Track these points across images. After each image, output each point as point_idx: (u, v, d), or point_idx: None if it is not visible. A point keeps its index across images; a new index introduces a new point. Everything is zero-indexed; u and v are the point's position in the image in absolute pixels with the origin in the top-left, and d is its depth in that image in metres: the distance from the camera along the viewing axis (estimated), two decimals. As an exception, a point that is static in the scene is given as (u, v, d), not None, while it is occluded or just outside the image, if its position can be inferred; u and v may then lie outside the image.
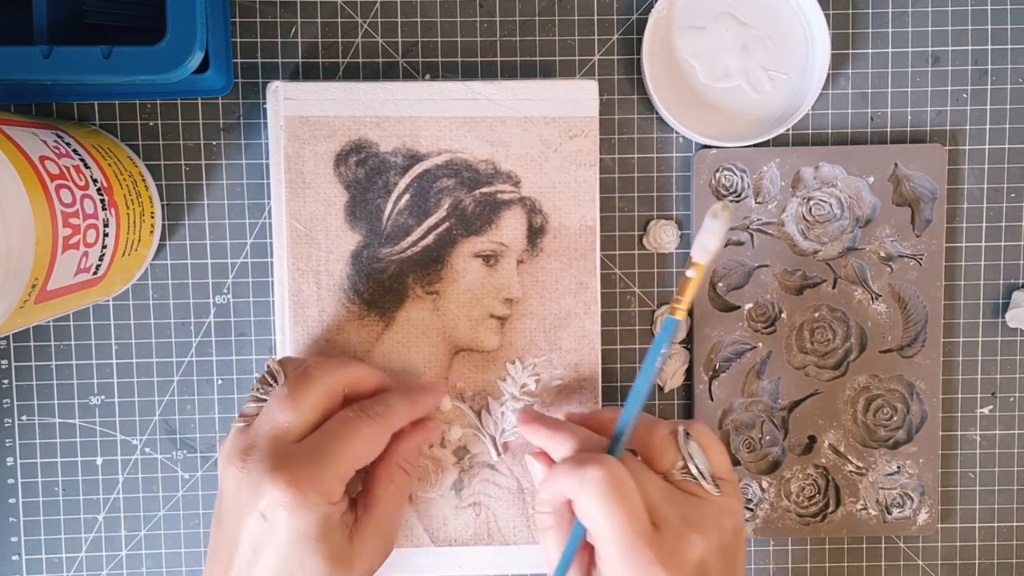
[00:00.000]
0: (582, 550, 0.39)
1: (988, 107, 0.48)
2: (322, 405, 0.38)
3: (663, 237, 0.47)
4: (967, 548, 0.50)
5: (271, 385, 0.40)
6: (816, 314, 0.48)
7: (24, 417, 0.47)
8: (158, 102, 0.46)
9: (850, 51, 0.48)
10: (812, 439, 0.48)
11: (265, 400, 0.39)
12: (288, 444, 0.37)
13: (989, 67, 0.48)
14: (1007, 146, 0.48)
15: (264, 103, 0.46)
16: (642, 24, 0.46)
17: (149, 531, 0.48)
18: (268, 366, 0.41)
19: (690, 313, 0.48)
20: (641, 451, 0.40)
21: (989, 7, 0.47)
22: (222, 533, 0.37)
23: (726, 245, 0.47)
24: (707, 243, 0.36)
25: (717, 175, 0.47)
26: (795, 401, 0.48)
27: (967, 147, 0.48)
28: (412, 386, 0.43)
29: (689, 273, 0.37)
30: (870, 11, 0.47)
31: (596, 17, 0.47)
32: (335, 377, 0.39)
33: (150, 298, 0.47)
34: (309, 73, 0.47)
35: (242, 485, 0.36)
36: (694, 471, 0.38)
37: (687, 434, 0.39)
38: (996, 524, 0.50)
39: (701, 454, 0.39)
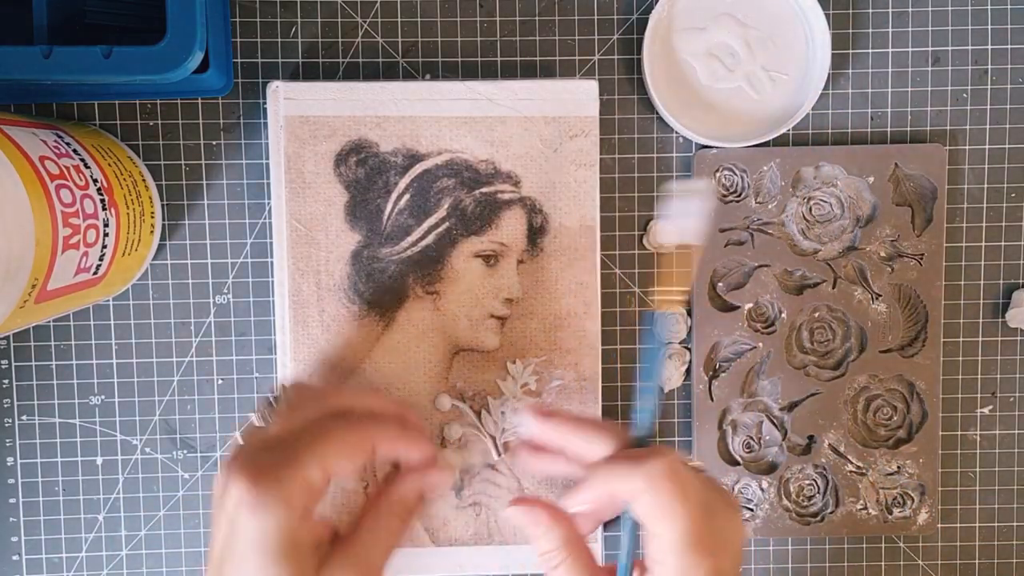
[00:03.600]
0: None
1: (988, 107, 0.48)
2: (312, 419, 0.36)
3: (663, 237, 0.47)
4: (967, 548, 0.50)
5: (272, 410, 0.38)
6: (816, 314, 0.48)
7: (24, 417, 0.47)
8: (158, 102, 0.46)
9: (850, 51, 0.48)
10: (812, 439, 0.48)
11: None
12: (267, 449, 0.35)
13: (989, 67, 0.48)
14: (1007, 146, 0.48)
15: (264, 103, 0.46)
16: (642, 24, 0.46)
17: (149, 531, 0.48)
18: (272, 392, 0.39)
19: (689, 313, 0.48)
20: None
21: (989, 7, 0.47)
22: (211, 541, 0.35)
23: (726, 245, 0.47)
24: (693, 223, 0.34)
25: (717, 175, 0.47)
26: (795, 401, 0.48)
27: (967, 147, 0.48)
28: (413, 424, 0.40)
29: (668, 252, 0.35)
30: (870, 11, 0.47)
31: (596, 17, 0.47)
32: (332, 396, 0.37)
33: (150, 298, 0.47)
34: (309, 73, 0.47)
35: (217, 489, 0.34)
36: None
37: None
38: (996, 524, 0.50)
39: None
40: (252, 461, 0.34)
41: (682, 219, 0.34)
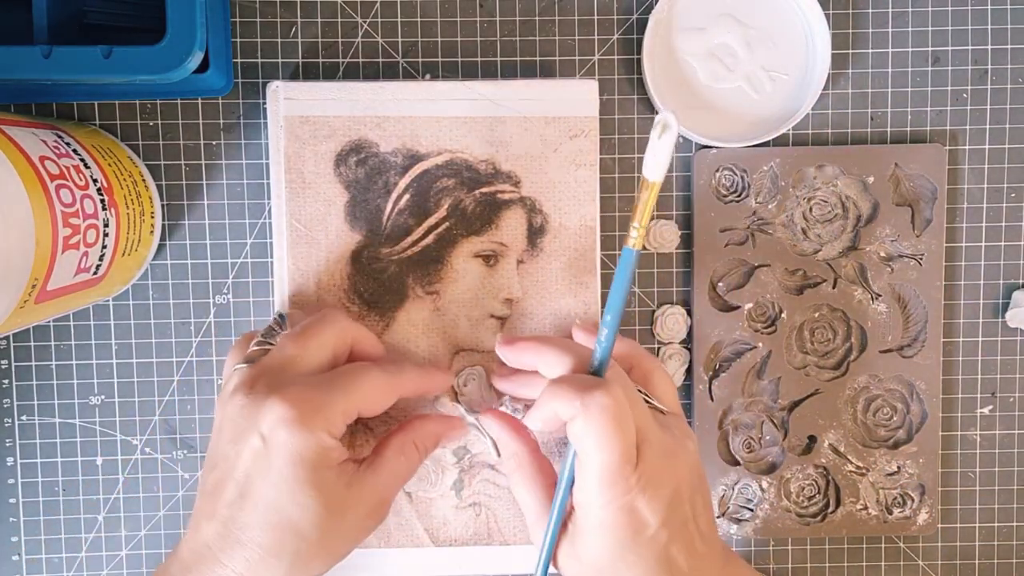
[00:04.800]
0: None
1: (988, 107, 0.48)
2: (332, 346, 0.39)
3: (663, 237, 0.47)
4: (967, 548, 0.50)
5: (277, 331, 0.40)
6: (816, 314, 0.48)
7: (24, 417, 0.47)
8: (158, 102, 0.46)
9: (850, 51, 0.48)
10: (812, 439, 0.48)
11: (271, 345, 0.39)
12: (296, 374, 0.37)
13: (989, 67, 0.48)
14: (1007, 146, 0.48)
15: (264, 103, 0.46)
16: (642, 24, 0.46)
17: (149, 531, 0.48)
18: (276, 315, 0.41)
19: (689, 313, 0.48)
20: None
21: (989, 7, 0.47)
22: (216, 474, 0.36)
23: (726, 245, 0.47)
24: (660, 159, 0.34)
25: (717, 175, 0.47)
26: (795, 401, 0.48)
27: (967, 147, 0.48)
28: (425, 365, 0.44)
29: (643, 196, 0.35)
30: (870, 11, 0.47)
31: (596, 17, 0.47)
32: (346, 324, 0.40)
33: (150, 298, 0.47)
34: (309, 73, 0.47)
35: (244, 411, 0.35)
36: (647, 397, 0.39)
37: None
38: (996, 524, 0.50)
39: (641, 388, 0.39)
40: (292, 386, 0.36)
41: (649, 154, 0.34)
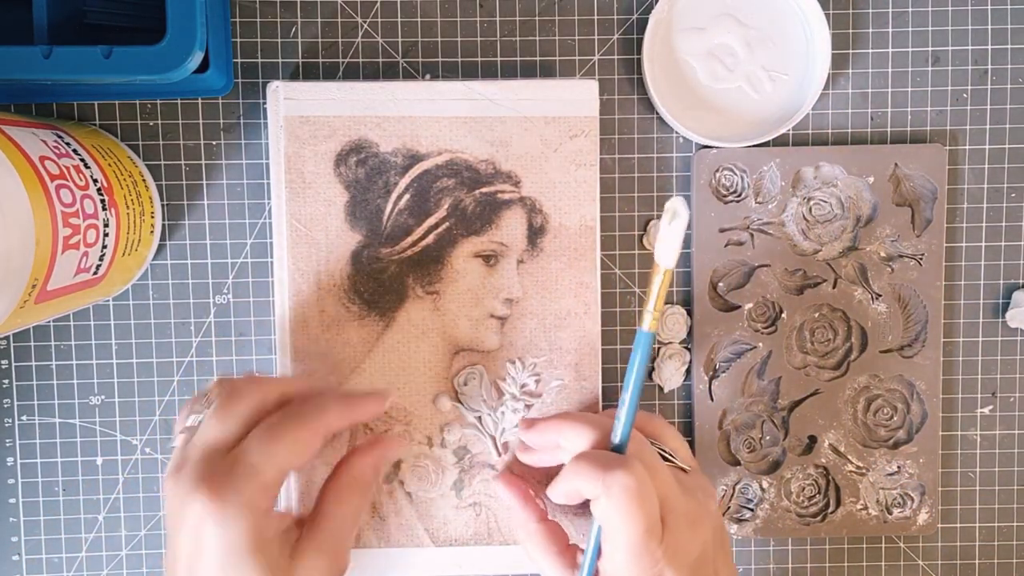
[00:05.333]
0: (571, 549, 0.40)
1: (988, 107, 0.48)
2: (250, 417, 0.37)
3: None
4: (967, 548, 0.50)
5: (205, 403, 0.38)
6: (816, 314, 0.48)
7: (24, 417, 0.47)
8: (158, 102, 0.46)
9: (850, 51, 0.48)
10: (812, 439, 0.48)
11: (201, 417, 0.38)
12: (216, 457, 0.35)
13: (989, 67, 0.48)
14: (1007, 146, 0.48)
15: (264, 103, 0.46)
16: (642, 24, 0.46)
17: (149, 531, 0.48)
18: (207, 387, 0.39)
19: (689, 313, 0.48)
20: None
21: (989, 7, 0.47)
22: (169, 554, 0.36)
23: (726, 245, 0.47)
24: (671, 245, 0.35)
25: (717, 175, 0.47)
26: (795, 401, 0.48)
27: (967, 147, 0.48)
28: (354, 391, 0.43)
29: (655, 281, 0.36)
30: (870, 11, 0.47)
31: (596, 17, 0.47)
32: (264, 388, 0.38)
33: (150, 298, 0.47)
34: (309, 73, 0.47)
35: (174, 502, 0.35)
36: (660, 451, 0.40)
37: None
38: (996, 524, 0.50)
39: (659, 446, 0.41)
40: (207, 472, 0.34)
41: (660, 242, 0.35)
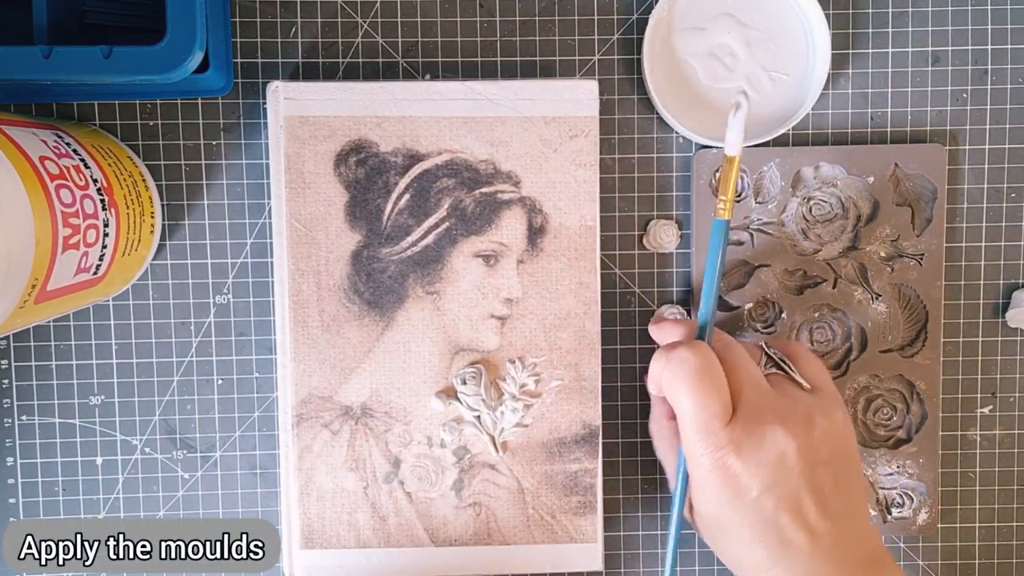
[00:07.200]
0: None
1: (988, 107, 0.48)
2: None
3: (663, 237, 0.47)
4: (967, 548, 0.50)
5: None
6: (816, 314, 0.48)
7: (24, 417, 0.47)
8: (158, 102, 0.46)
9: (850, 51, 0.48)
10: (812, 439, 0.48)
11: None
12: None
13: (989, 67, 0.48)
14: (1007, 146, 0.48)
15: (264, 103, 0.46)
16: (642, 24, 0.46)
17: (149, 531, 0.48)
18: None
19: (689, 313, 0.48)
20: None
21: (989, 7, 0.47)
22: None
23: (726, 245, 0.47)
24: (736, 135, 0.39)
25: (717, 175, 0.47)
26: (795, 401, 0.48)
27: (967, 147, 0.48)
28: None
29: (724, 169, 0.40)
30: (870, 11, 0.47)
31: (596, 17, 0.47)
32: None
33: (150, 298, 0.47)
34: (309, 73, 0.47)
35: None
36: (779, 362, 0.41)
37: (767, 345, 0.42)
38: (996, 524, 0.50)
39: (787, 361, 0.41)
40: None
41: (728, 131, 0.39)
